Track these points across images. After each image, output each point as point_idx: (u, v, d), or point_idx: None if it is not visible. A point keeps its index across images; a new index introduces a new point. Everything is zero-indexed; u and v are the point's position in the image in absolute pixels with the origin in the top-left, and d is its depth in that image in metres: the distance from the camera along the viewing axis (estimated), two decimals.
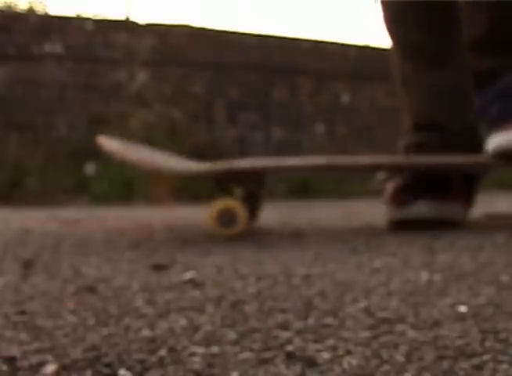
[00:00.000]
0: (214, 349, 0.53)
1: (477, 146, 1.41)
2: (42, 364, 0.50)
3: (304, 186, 3.59)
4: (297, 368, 0.48)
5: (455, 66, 1.46)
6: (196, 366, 0.49)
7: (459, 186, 1.45)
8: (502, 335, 0.55)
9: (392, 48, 1.50)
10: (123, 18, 3.86)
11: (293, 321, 0.62)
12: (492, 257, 1.00)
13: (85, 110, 3.57)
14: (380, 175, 1.66)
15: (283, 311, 0.66)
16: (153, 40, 3.75)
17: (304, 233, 1.42)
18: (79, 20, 3.71)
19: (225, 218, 1.26)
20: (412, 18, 1.47)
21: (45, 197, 3.13)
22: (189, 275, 0.87)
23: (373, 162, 1.50)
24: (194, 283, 0.81)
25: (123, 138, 1.64)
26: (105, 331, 0.59)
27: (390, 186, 1.45)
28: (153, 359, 0.51)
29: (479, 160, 1.43)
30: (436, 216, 1.40)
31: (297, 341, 0.55)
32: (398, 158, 1.47)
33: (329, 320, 0.62)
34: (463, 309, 0.65)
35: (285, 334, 0.57)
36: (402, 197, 1.41)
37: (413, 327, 0.59)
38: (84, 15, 3.83)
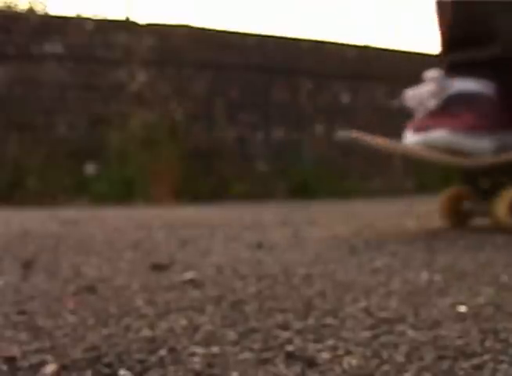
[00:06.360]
0: (214, 349, 0.53)
1: None
2: (42, 364, 0.50)
3: (304, 186, 3.59)
4: (297, 368, 0.48)
5: None
6: (196, 366, 0.49)
7: None
8: (503, 335, 0.55)
9: None
10: (123, 18, 3.85)
11: (293, 321, 0.62)
12: (492, 257, 1.00)
13: (85, 110, 3.57)
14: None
15: (283, 311, 0.66)
16: (153, 40, 3.75)
17: (305, 233, 1.42)
18: (79, 20, 3.70)
19: None
20: None
21: (45, 197, 3.13)
22: (189, 275, 0.87)
23: None
24: (194, 283, 0.81)
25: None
26: (105, 331, 0.59)
27: None
28: (153, 359, 0.51)
29: None
30: None
31: (297, 341, 0.55)
32: None
33: (329, 320, 0.62)
34: (463, 309, 0.65)
35: (285, 334, 0.57)
36: None
37: (413, 327, 0.59)
38: (84, 15, 3.83)
